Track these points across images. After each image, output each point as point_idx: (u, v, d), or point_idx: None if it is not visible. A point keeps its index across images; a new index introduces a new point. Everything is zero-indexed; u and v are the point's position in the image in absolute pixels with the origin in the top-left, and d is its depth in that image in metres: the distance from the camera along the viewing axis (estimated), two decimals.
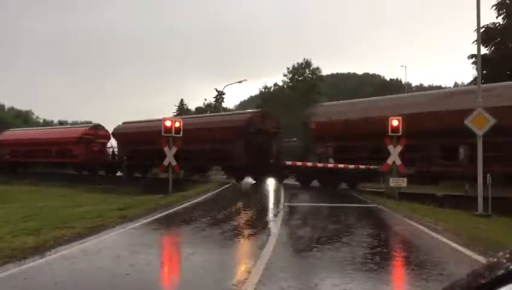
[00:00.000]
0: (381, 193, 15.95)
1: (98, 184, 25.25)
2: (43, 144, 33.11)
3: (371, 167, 17.25)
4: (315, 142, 20.58)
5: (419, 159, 15.67)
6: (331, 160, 19.09)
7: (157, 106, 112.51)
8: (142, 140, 25.61)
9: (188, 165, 22.10)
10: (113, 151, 30.96)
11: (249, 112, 24.34)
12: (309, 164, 19.32)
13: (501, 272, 0.66)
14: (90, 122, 39.96)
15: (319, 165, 18.99)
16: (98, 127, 32.83)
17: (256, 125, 21.77)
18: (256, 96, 72.31)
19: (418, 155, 15.73)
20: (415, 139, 15.11)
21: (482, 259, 5.62)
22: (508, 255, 0.68)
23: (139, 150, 26.57)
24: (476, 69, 15.95)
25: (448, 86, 59.83)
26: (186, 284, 4.90)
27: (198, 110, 57.13)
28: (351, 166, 18.03)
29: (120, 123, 31.28)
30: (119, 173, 29.95)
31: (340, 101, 22.97)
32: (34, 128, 43.47)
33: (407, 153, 15.16)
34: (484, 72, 18.59)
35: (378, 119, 16.09)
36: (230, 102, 78.63)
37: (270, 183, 22.09)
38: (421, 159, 15.61)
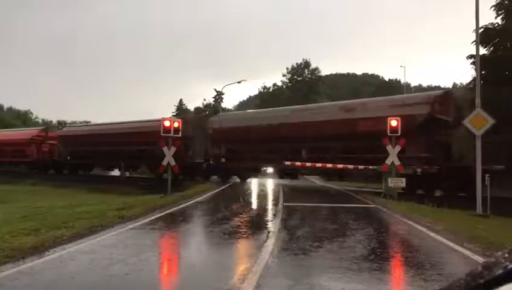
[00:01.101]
0: (381, 192, 15.97)
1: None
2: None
3: (370, 167, 17.33)
4: (212, 145, 25.08)
5: (283, 158, 20.39)
6: (223, 159, 23.82)
7: (157, 105, 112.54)
8: (83, 142, 30.29)
9: (118, 163, 28.09)
10: (59, 151, 33.43)
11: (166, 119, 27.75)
12: (308, 164, 19.40)
13: (500, 271, 0.66)
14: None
15: (318, 165, 19.04)
16: (48, 129, 36.29)
17: None
18: (255, 96, 72.34)
19: (280, 155, 20.74)
20: (276, 142, 20.77)
21: (480, 259, 5.63)
22: (506, 255, 0.68)
23: (80, 151, 30.65)
24: (475, 69, 15.98)
25: (447, 86, 59.89)
26: (185, 284, 4.90)
27: (197, 110, 57.14)
28: (351, 166, 18.14)
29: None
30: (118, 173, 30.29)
31: (230, 112, 30.32)
32: None
33: (272, 153, 21.17)
34: (483, 72, 18.60)
35: (255, 128, 21.73)
36: (229, 102, 78.69)
37: (269, 183, 22.22)
38: (282, 157, 20.31)
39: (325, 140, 18.27)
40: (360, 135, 17.30)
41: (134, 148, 26.47)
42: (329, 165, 18.76)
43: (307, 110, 21.94)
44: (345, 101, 22.59)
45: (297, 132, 19.73)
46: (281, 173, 24.16)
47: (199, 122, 27.10)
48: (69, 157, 31.76)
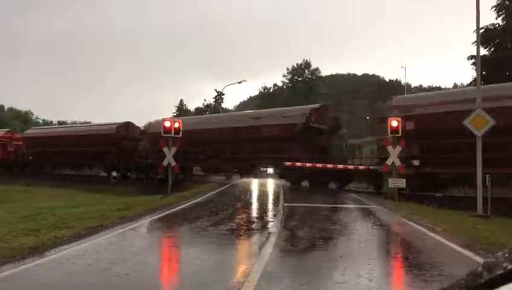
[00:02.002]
0: (381, 193, 15.98)
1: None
2: None
3: (371, 167, 17.38)
4: (150, 146, 27.19)
5: (207, 157, 24.64)
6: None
7: (157, 105, 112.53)
8: (45, 143, 32.79)
9: (75, 162, 32.15)
10: (23, 151, 35.90)
11: (116, 123, 30.75)
12: (308, 164, 19.46)
13: (500, 271, 0.66)
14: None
15: (318, 165, 19.09)
16: (13, 131, 39.48)
17: (121, 133, 29.33)
18: (255, 96, 72.38)
19: (206, 155, 24.71)
20: (201, 145, 23.78)
21: (480, 259, 5.62)
22: (506, 255, 0.68)
23: (44, 151, 32.89)
24: (476, 70, 15.99)
25: (447, 86, 59.89)
26: (185, 285, 4.90)
27: (198, 110, 57.16)
28: (351, 166, 18.27)
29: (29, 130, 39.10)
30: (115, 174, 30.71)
31: (166, 118, 33.27)
32: None
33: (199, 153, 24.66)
34: (483, 73, 18.61)
35: (187, 132, 24.43)
36: (230, 102, 78.64)
37: (269, 183, 22.26)
38: (209, 156, 24.79)
39: (222, 142, 22.88)
40: (257, 139, 21.72)
41: (90, 149, 29.69)
42: (329, 166, 18.81)
43: (221, 117, 26.85)
44: (250, 111, 26.70)
45: (215, 136, 23.47)
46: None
47: (147, 126, 30.27)
48: (31, 157, 34.53)
